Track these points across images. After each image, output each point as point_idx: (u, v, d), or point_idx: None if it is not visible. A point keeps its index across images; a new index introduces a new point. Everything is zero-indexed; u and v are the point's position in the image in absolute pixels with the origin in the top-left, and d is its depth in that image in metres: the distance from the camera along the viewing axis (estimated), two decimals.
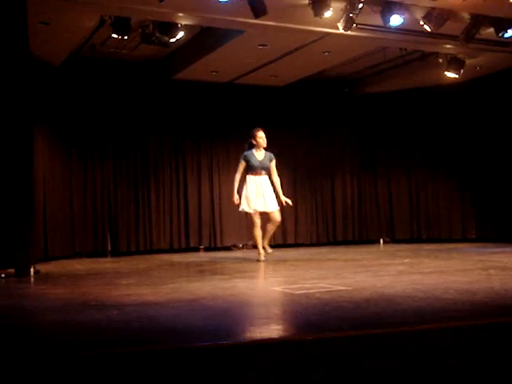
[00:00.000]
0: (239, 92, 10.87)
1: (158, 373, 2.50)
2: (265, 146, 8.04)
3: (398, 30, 7.85)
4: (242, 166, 8.03)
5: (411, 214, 11.69)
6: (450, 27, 7.79)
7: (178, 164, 10.70)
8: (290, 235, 11.36)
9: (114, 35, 7.61)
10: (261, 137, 8.01)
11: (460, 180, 11.31)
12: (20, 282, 6.17)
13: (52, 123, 9.24)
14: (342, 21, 7.33)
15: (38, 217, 8.10)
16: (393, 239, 11.72)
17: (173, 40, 7.94)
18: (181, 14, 7.35)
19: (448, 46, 8.73)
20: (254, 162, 7.93)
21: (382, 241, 11.71)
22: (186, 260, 8.79)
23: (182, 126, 10.70)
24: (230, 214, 10.91)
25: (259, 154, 8.01)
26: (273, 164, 8.08)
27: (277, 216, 8.02)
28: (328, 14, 7.05)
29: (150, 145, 10.49)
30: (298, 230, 11.44)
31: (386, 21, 7.40)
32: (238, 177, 8.04)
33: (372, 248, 10.54)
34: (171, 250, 10.40)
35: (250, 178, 7.96)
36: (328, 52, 9.08)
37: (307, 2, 7.00)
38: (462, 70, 9.34)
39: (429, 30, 7.63)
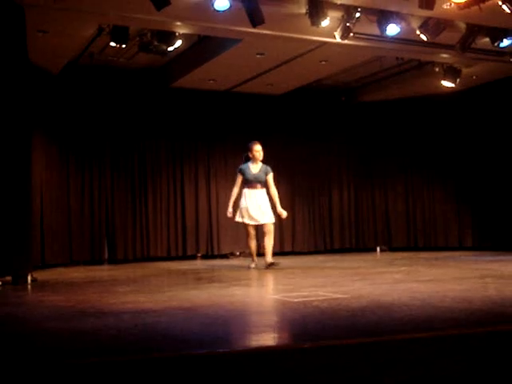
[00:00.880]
0: (236, 100, 10.90)
1: (154, 381, 2.51)
2: (261, 159, 8.06)
3: (395, 39, 7.89)
4: (238, 179, 8.07)
5: (408, 222, 11.71)
6: (447, 37, 7.83)
7: (175, 172, 10.71)
8: (287, 243, 11.37)
9: (112, 44, 7.64)
10: (257, 150, 8.04)
11: (456, 188, 11.34)
12: (17, 290, 6.16)
13: (50, 131, 9.26)
14: (338, 30, 7.37)
15: (35, 224, 8.12)
16: (389, 247, 11.73)
17: (171, 49, 7.97)
18: (179, 23, 7.38)
19: (444, 55, 8.78)
20: (249, 176, 7.99)
21: (378, 249, 11.73)
22: (184, 268, 8.79)
23: (179, 133, 10.72)
24: (227, 222, 10.90)
25: (255, 167, 8.04)
26: (269, 177, 8.09)
27: (270, 228, 8.06)
28: (325, 23, 7.08)
29: (147, 152, 10.50)
30: (296, 238, 11.45)
31: (383, 30, 7.44)
32: (235, 191, 8.09)
33: (369, 256, 10.55)
34: (168, 258, 10.39)
35: (246, 191, 8.03)
36: (325, 61, 9.11)
37: (304, 11, 7.03)
38: (458, 79, 9.39)
39: (425, 39, 7.67)
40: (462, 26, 7.83)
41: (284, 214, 8.19)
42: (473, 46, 8.11)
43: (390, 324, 3.66)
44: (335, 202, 11.80)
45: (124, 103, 10.24)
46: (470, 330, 3.33)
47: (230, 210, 8.11)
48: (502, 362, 3.14)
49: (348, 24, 7.27)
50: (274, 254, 10.92)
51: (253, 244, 8.15)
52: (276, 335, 3.30)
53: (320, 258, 10.24)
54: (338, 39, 7.51)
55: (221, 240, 10.86)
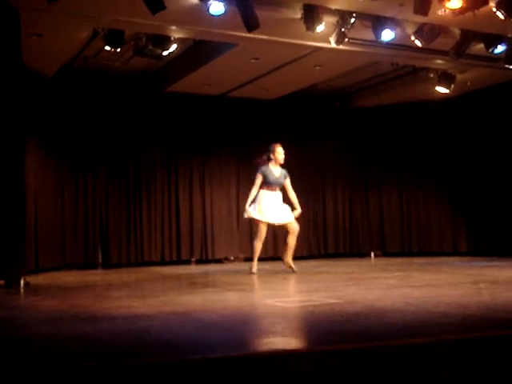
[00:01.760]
0: (231, 105, 10.91)
1: None
2: (282, 162, 8.05)
3: (390, 44, 7.92)
4: (259, 180, 7.98)
5: (402, 227, 11.73)
6: (441, 42, 7.86)
7: (169, 176, 10.71)
8: (281, 248, 11.33)
9: (107, 48, 7.63)
10: (280, 152, 8.03)
11: (451, 194, 11.37)
12: (10, 294, 6.13)
13: (44, 135, 9.24)
14: (333, 35, 7.38)
15: (28, 228, 8.08)
16: (384, 252, 11.74)
17: (166, 53, 7.97)
18: (174, 27, 7.38)
19: (439, 61, 8.82)
20: (272, 178, 7.97)
21: (372, 254, 11.73)
22: (178, 272, 8.77)
23: (174, 138, 10.72)
24: (221, 227, 10.93)
25: (276, 170, 8.04)
26: (288, 181, 8.11)
27: (294, 225, 8.06)
28: (320, 28, 7.10)
29: (141, 157, 10.49)
30: None
31: (378, 35, 7.46)
32: (254, 192, 7.99)
33: (363, 261, 10.55)
34: (162, 263, 10.38)
35: (264, 192, 7.97)
36: (320, 66, 9.13)
37: (299, 16, 7.04)
38: (452, 85, 9.42)
39: (420, 45, 7.70)
40: (457, 32, 7.87)
41: (299, 211, 8.12)
42: (467, 52, 8.15)
43: (383, 329, 3.66)
44: (329, 207, 11.81)
45: (119, 107, 10.24)
46: (464, 335, 3.32)
47: (248, 208, 8.00)
48: (496, 367, 3.14)
49: (343, 29, 7.29)
50: (269, 258, 11.00)
51: (259, 246, 8.06)
52: (269, 340, 3.28)
53: (314, 262, 10.23)
54: (332, 44, 7.52)
55: (215, 245, 10.85)
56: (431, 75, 9.51)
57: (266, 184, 7.96)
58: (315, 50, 8.24)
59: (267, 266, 9.64)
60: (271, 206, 7.93)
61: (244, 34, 7.15)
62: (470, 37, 7.90)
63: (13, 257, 6.46)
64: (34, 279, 7.14)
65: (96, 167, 10.12)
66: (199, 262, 10.66)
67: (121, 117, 10.26)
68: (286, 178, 8.09)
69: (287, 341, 3.27)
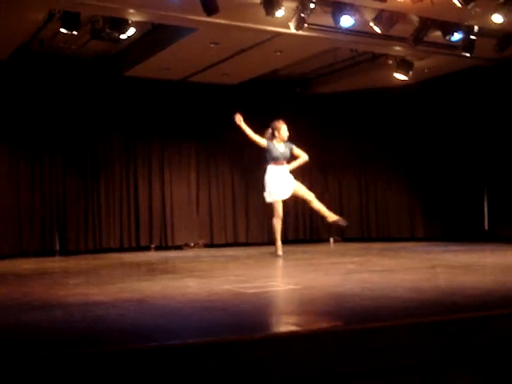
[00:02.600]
0: (192, 90, 10.80)
1: (102, 375, 2.45)
2: (286, 139, 8.17)
3: (349, 30, 7.92)
4: (259, 139, 8.05)
5: (361, 213, 11.83)
6: (400, 29, 7.91)
7: (128, 162, 10.56)
8: (241, 234, 11.36)
9: (63, 30, 7.45)
10: (284, 130, 8.14)
11: (409, 180, 11.50)
12: None
13: None
14: (293, 20, 7.36)
15: None
16: (343, 238, 11.83)
17: (123, 36, 7.83)
18: (131, 11, 7.25)
19: (397, 47, 8.87)
20: (276, 153, 8.07)
21: (332, 239, 11.81)
22: (137, 259, 8.69)
23: (133, 123, 10.56)
24: (181, 213, 10.85)
25: (280, 146, 8.13)
26: (294, 149, 8.21)
27: (306, 191, 8.20)
28: (280, 13, 7.06)
29: (99, 142, 10.31)
30: (250, 229, 11.44)
31: (337, 21, 7.45)
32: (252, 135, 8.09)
33: (322, 247, 10.63)
34: (121, 249, 10.25)
35: (271, 167, 8.09)
36: (280, 51, 9.10)
37: (259, 0, 6.99)
38: (410, 72, 9.50)
39: (379, 31, 7.73)
40: (415, 19, 7.92)
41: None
42: (425, 39, 8.22)
43: (341, 315, 3.68)
44: None
45: (76, 92, 10.03)
46: (421, 320, 3.35)
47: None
48: (453, 350, 3.19)
49: (303, 15, 7.27)
50: (228, 244, 11.00)
51: (279, 225, 8.14)
52: (227, 327, 3.27)
53: (274, 248, 10.23)
54: (292, 30, 7.50)
55: (175, 231, 10.77)
56: (390, 62, 9.57)
57: (273, 159, 8.09)
58: (275, 36, 8.20)
59: (228, 252, 9.64)
60: (279, 181, 8.05)
61: (203, 19, 7.07)
62: (427, 24, 7.96)
63: None
64: None
65: (53, 153, 9.91)
66: (159, 248, 10.58)
67: (78, 101, 10.06)
68: (291, 149, 8.19)
69: (244, 328, 3.26)
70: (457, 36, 8.23)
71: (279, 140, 8.14)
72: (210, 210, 11.18)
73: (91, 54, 9.59)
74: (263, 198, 11.50)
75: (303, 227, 11.89)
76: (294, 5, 7.23)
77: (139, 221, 10.53)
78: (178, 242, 10.77)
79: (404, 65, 9.44)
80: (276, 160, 8.08)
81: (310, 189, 11.82)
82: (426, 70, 10.01)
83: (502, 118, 10.34)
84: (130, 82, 10.18)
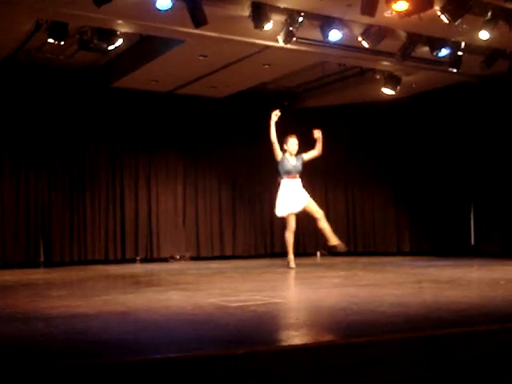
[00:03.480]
0: (179, 102, 10.79)
1: None
2: (295, 153, 8.27)
3: (337, 45, 7.96)
4: (278, 148, 8.17)
5: (348, 227, 11.83)
6: (388, 44, 7.96)
7: (114, 173, 10.51)
8: (227, 247, 11.31)
9: (51, 40, 7.42)
10: (291, 143, 8.27)
11: (396, 194, 11.52)
12: None
13: None
14: (282, 34, 7.37)
15: None
16: (329, 252, 11.79)
17: (111, 47, 7.80)
18: (120, 21, 7.24)
19: (385, 62, 8.92)
20: (289, 166, 8.22)
21: (318, 253, 11.78)
22: (122, 271, 8.61)
23: (120, 134, 10.53)
24: (167, 226, 10.80)
25: (292, 159, 8.26)
26: (304, 156, 8.33)
27: (316, 208, 8.23)
28: (268, 26, 7.07)
29: (86, 153, 10.26)
30: (236, 242, 11.40)
31: (326, 35, 7.48)
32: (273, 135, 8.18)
33: (309, 260, 10.58)
34: (106, 261, 10.18)
35: (284, 181, 8.23)
36: (268, 65, 9.12)
37: (248, 13, 6.99)
38: (398, 87, 9.55)
39: (367, 46, 7.77)
40: (403, 34, 7.98)
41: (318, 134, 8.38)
42: (413, 54, 8.28)
43: (327, 329, 3.65)
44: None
45: (63, 103, 9.99)
46: (407, 335, 3.33)
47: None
48: (439, 366, 3.16)
49: (291, 28, 7.28)
50: (215, 258, 10.94)
51: (291, 238, 8.22)
52: (211, 341, 3.22)
53: (260, 261, 10.22)
54: (280, 43, 7.51)
55: (161, 243, 10.71)
56: (378, 77, 9.63)
57: (286, 173, 8.23)
58: (263, 49, 8.22)
59: (214, 264, 9.59)
60: (291, 195, 8.15)
61: (192, 31, 7.07)
62: (415, 39, 8.02)
63: None
64: None
65: (38, 164, 9.84)
66: (144, 260, 10.50)
67: (65, 112, 10.01)
68: (302, 159, 8.31)
69: (228, 342, 3.22)
70: (444, 52, 8.30)
71: (290, 154, 8.26)
72: (197, 223, 11.12)
73: (79, 65, 9.56)
74: (251, 212, 11.59)
75: None
76: (282, 18, 7.25)
77: (125, 233, 10.46)
78: (163, 255, 10.70)
79: (392, 80, 9.49)
80: (289, 173, 8.22)
81: None
82: (413, 86, 10.07)
83: (489, 133, 10.41)
84: (117, 93, 10.16)
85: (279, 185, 8.37)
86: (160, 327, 3.73)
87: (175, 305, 4.72)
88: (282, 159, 8.23)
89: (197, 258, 10.91)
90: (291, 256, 8.27)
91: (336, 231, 11.72)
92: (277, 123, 11.70)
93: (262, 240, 11.67)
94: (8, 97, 9.48)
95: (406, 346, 3.21)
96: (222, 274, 7.82)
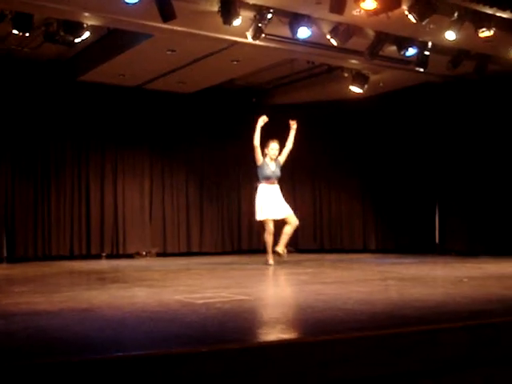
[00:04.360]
0: (147, 97, 10.69)
1: None
2: (275, 157, 8.24)
3: (306, 42, 7.96)
4: (259, 153, 8.16)
5: (315, 224, 11.87)
6: (356, 43, 7.99)
7: (80, 168, 10.37)
8: (194, 243, 11.26)
9: (15, 31, 7.26)
10: (272, 148, 8.27)
11: (362, 192, 11.61)
12: None
13: None
14: (250, 30, 7.34)
15: None
16: (296, 249, 11.83)
17: (78, 40, 7.67)
18: (86, 14, 7.12)
19: (353, 61, 8.95)
20: (268, 172, 8.19)
21: (286, 250, 11.76)
22: (87, 267, 8.51)
23: (86, 129, 10.39)
24: (133, 222, 10.70)
25: (272, 164, 8.24)
26: (281, 157, 8.31)
27: (294, 219, 8.24)
28: (237, 22, 7.03)
29: (51, 148, 10.10)
30: (203, 239, 11.35)
31: (294, 33, 7.48)
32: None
33: (276, 257, 10.56)
34: (72, 257, 10.06)
35: (263, 186, 8.18)
36: (237, 61, 9.09)
37: (216, 9, 6.94)
38: (366, 86, 9.59)
39: (335, 44, 7.79)
40: (371, 33, 8.01)
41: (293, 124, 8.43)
42: (380, 53, 8.31)
43: (293, 326, 3.63)
44: (244, 203, 11.77)
45: (28, 96, 9.82)
46: (372, 333, 3.33)
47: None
48: (402, 363, 3.17)
49: (260, 24, 7.26)
50: (181, 254, 10.89)
51: (270, 239, 8.19)
52: (175, 338, 3.18)
53: (227, 258, 10.19)
54: (249, 39, 7.48)
55: (127, 239, 10.61)
56: (346, 75, 9.66)
57: (265, 178, 8.20)
58: (232, 45, 8.18)
59: (181, 261, 9.53)
60: (270, 200, 8.13)
61: (160, 25, 7.00)
62: (383, 38, 8.06)
63: None
64: None
65: (2, 158, 9.66)
66: (110, 256, 10.40)
67: (30, 106, 9.84)
68: (280, 165, 8.31)
69: (192, 340, 3.18)
70: (411, 51, 8.36)
71: (270, 158, 8.25)
72: (164, 219, 11.05)
73: (44, 58, 9.40)
74: (218, 208, 11.54)
75: (257, 237, 11.83)
76: (251, 14, 7.22)
77: (90, 228, 10.33)
78: (129, 251, 10.61)
79: (359, 78, 9.53)
80: (268, 179, 8.20)
81: None
82: (381, 84, 10.13)
83: (454, 133, 10.53)
84: (84, 87, 10.02)
85: (256, 189, 8.34)
86: (123, 324, 3.68)
87: (140, 301, 4.66)
88: (262, 164, 8.22)
89: (163, 254, 10.84)
90: (270, 254, 8.29)
91: (303, 228, 11.83)
92: (245, 120, 11.73)
93: (229, 237, 11.65)
94: None
95: (371, 343, 3.21)
96: (188, 271, 7.77)
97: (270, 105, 11.66)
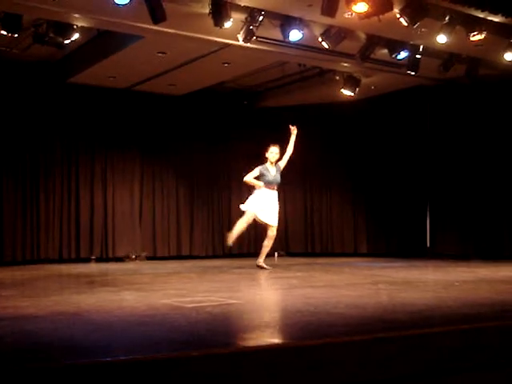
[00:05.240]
0: (137, 99, 10.63)
1: None
2: (274, 161, 8.21)
3: (297, 45, 7.95)
4: (254, 174, 8.13)
5: (305, 227, 11.85)
6: (348, 46, 7.98)
7: (70, 171, 10.28)
8: (184, 247, 11.20)
9: (4, 32, 7.19)
10: (272, 152, 8.21)
11: (353, 196, 11.59)
12: None
13: None
14: (242, 32, 7.31)
15: None
16: (287, 252, 11.81)
17: (67, 41, 7.61)
18: (76, 15, 7.07)
19: (345, 64, 8.94)
20: (270, 178, 8.14)
21: (276, 254, 11.75)
22: (76, 271, 8.43)
23: (75, 132, 10.30)
24: (123, 225, 10.62)
25: (273, 169, 8.21)
26: (281, 163, 8.27)
27: (274, 231, 8.21)
28: (228, 24, 7.00)
29: (40, 150, 10.01)
30: (194, 242, 11.30)
31: (286, 35, 7.46)
32: (248, 178, 8.17)
33: (267, 261, 10.49)
34: (60, 260, 9.97)
35: (263, 190, 8.12)
36: (228, 63, 9.05)
37: (208, 11, 6.91)
38: (357, 89, 9.58)
39: (327, 47, 7.77)
40: (362, 36, 8.01)
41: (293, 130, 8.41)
42: (372, 56, 8.31)
43: (282, 331, 3.60)
44: (235, 207, 11.68)
45: (17, 97, 9.73)
46: (361, 337, 3.30)
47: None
48: (391, 368, 3.14)
49: (251, 27, 7.23)
50: (172, 257, 10.82)
51: (241, 226, 8.13)
52: (164, 343, 3.14)
53: (218, 262, 10.14)
54: (240, 42, 7.45)
55: (116, 242, 10.53)
56: (337, 78, 9.66)
57: (265, 183, 8.13)
58: (223, 47, 8.14)
59: (171, 264, 9.47)
60: (265, 204, 8.09)
61: (150, 26, 6.96)
62: (374, 41, 8.06)
63: None
64: None
65: None
66: (99, 260, 10.31)
67: (19, 107, 9.75)
68: (280, 170, 8.27)
69: (182, 344, 3.14)
70: (403, 54, 8.37)
71: (271, 163, 8.22)
72: (154, 222, 10.98)
73: (34, 59, 9.33)
74: (208, 212, 11.49)
75: (247, 241, 11.80)
76: (242, 16, 7.19)
77: (80, 231, 10.25)
78: (119, 254, 10.53)
79: (351, 81, 9.52)
80: (269, 184, 8.15)
81: None
82: (372, 87, 10.14)
83: (445, 136, 10.55)
84: (73, 89, 9.95)
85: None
86: (111, 329, 3.63)
87: (129, 305, 4.62)
88: (262, 171, 8.16)
89: (153, 257, 10.77)
90: (235, 233, 8.24)
91: (294, 232, 11.82)
92: (236, 123, 11.72)
93: (220, 240, 11.58)
94: None
95: (360, 348, 3.18)
96: (178, 274, 7.72)
97: (261, 107, 11.66)
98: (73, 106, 10.21)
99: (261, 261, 8.26)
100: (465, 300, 4.80)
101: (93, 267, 9.33)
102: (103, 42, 8.52)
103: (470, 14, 7.32)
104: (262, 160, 12.02)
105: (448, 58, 8.64)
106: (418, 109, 10.84)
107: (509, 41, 8.12)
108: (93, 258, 10.34)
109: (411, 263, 9.14)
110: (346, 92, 9.64)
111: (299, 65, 9.58)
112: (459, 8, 7.17)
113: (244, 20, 7.22)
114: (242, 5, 7.05)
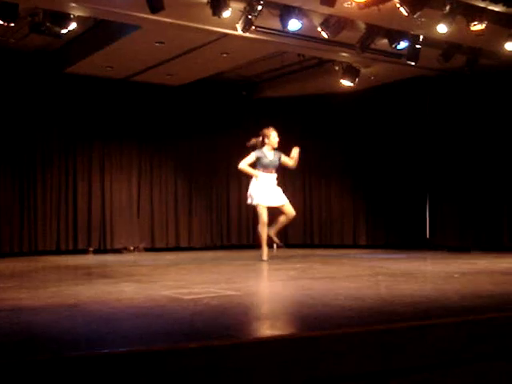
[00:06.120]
0: (135, 89, 10.58)
1: None
2: (276, 146, 8.16)
3: (297, 34, 7.90)
4: (250, 160, 8.05)
5: (304, 219, 11.80)
6: (347, 36, 7.92)
7: (67, 162, 10.24)
8: (183, 238, 11.18)
9: (0, 21, 7.13)
10: (274, 137, 8.14)
11: (352, 187, 11.55)
12: None
13: None
14: (240, 22, 7.26)
15: None
16: (286, 244, 11.75)
17: (64, 31, 7.54)
18: (73, 5, 7.00)
19: (344, 54, 8.88)
20: (266, 161, 8.08)
21: (275, 245, 11.71)
22: (74, 262, 8.41)
23: (73, 122, 10.25)
24: (121, 216, 10.59)
25: (270, 154, 8.12)
26: (282, 157, 8.22)
27: (291, 208, 8.19)
28: (227, 14, 6.95)
29: (37, 141, 9.96)
30: (192, 233, 11.27)
31: (285, 25, 7.40)
32: (242, 166, 8.09)
33: (270, 252, 10.52)
34: (58, 252, 9.94)
35: (260, 174, 8.06)
36: (226, 53, 9.00)
37: (206, 0, 6.85)
38: (357, 79, 9.53)
39: (326, 36, 7.71)
40: (362, 25, 7.95)
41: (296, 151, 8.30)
42: (372, 46, 8.25)
43: (280, 322, 3.58)
44: (233, 198, 11.71)
45: (13, 87, 9.67)
46: (360, 329, 3.28)
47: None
48: (391, 359, 3.12)
49: (250, 16, 7.17)
50: (170, 249, 10.81)
51: (265, 232, 8.08)
52: (162, 335, 3.11)
53: (217, 253, 10.13)
54: (239, 31, 7.40)
55: (114, 234, 10.50)
56: (336, 68, 9.60)
57: (262, 166, 8.08)
58: (221, 37, 8.08)
59: (169, 256, 9.45)
60: (266, 188, 8.05)
61: (148, 16, 6.90)
62: (374, 31, 8.00)
63: None
64: None
65: None
66: (97, 251, 10.29)
67: (15, 97, 9.69)
68: (280, 158, 8.20)
69: (180, 336, 3.12)
70: (403, 44, 8.32)
71: (270, 147, 8.12)
72: (152, 214, 10.95)
73: (31, 48, 9.26)
74: (207, 203, 11.46)
75: (246, 232, 11.79)
76: (241, 6, 7.13)
77: (77, 223, 10.22)
78: (117, 246, 10.51)
79: (350, 71, 9.46)
80: (265, 168, 8.10)
81: None
82: (372, 78, 10.09)
83: (445, 127, 10.50)
84: (71, 79, 9.89)
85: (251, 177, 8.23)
86: (110, 320, 3.60)
87: (127, 297, 4.59)
88: (259, 155, 8.08)
89: (151, 249, 10.75)
90: (265, 248, 8.18)
91: (293, 223, 11.75)
92: (235, 113, 11.66)
93: (218, 232, 11.57)
94: None
95: (360, 339, 3.16)
96: (176, 266, 7.70)
97: (259, 98, 11.61)
98: (70, 96, 10.15)
99: (276, 238, 8.31)
100: (465, 292, 4.77)
101: (91, 259, 9.31)
102: (101, 32, 8.45)
103: (471, 4, 7.27)
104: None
105: (448, 48, 8.58)
106: (417, 99, 10.79)
107: (510, 31, 8.06)
108: (90, 249, 10.32)
109: (411, 255, 9.12)
110: (346, 82, 9.58)
111: (298, 55, 9.52)
112: None
113: (243, 9, 7.17)
114: None
